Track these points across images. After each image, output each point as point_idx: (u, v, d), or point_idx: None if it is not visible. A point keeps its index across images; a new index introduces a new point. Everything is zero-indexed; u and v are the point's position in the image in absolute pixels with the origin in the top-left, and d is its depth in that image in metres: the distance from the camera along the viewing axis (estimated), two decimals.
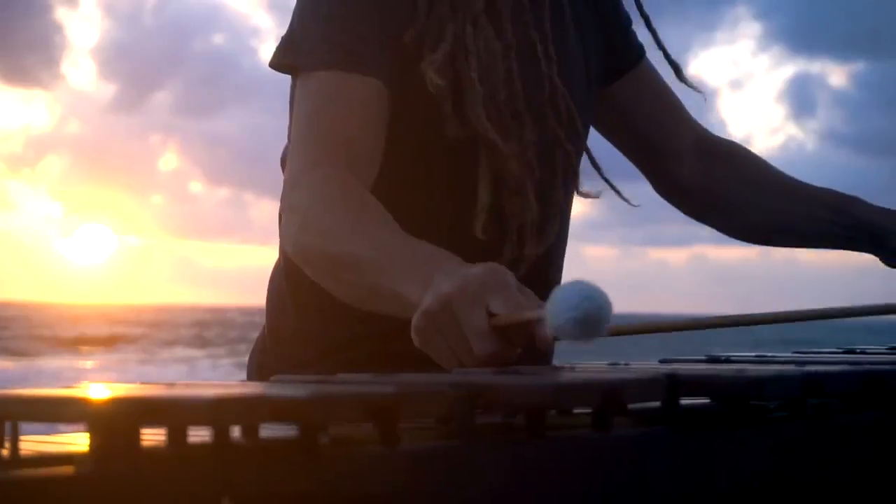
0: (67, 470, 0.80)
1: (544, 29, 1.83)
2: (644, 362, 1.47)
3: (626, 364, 1.41)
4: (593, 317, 1.19)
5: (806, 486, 1.19)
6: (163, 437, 0.84)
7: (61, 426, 0.89)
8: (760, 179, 2.06)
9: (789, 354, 1.70)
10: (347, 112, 1.69)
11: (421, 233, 1.55)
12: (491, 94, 1.74)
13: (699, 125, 2.11)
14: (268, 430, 0.88)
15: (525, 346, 1.32)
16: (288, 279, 1.83)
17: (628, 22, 2.03)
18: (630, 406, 1.05)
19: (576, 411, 1.05)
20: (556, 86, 1.82)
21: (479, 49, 1.74)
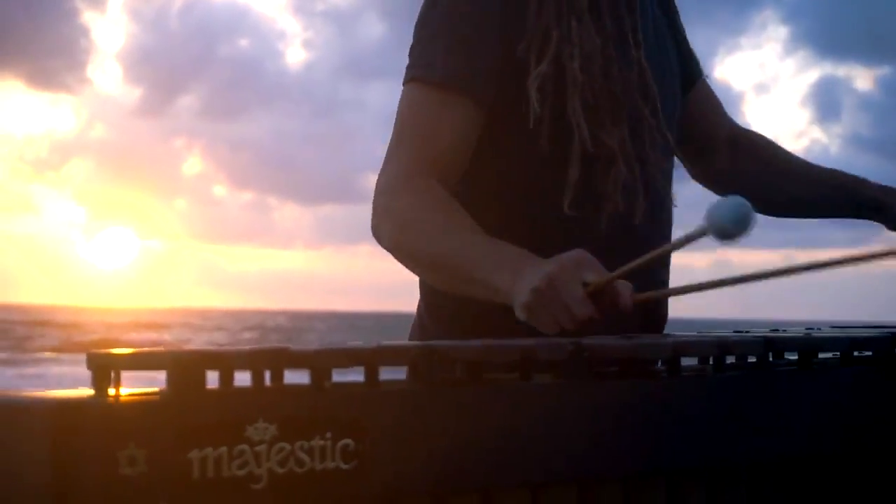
0: (153, 397, 1.22)
1: (635, 20, 2.10)
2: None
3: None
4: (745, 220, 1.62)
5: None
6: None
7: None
8: (782, 165, 2.43)
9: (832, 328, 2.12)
10: (440, 130, 1.98)
11: (521, 211, 1.97)
12: (590, 82, 2.00)
13: (731, 118, 2.48)
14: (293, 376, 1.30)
15: (612, 311, 1.72)
16: (424, 300, 2.16)
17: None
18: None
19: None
20: (644, 68, 2.09)
21: (581, 42, 2.00)
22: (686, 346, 1.56)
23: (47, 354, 38.96)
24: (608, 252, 1.86)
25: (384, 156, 2.02)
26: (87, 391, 1.26)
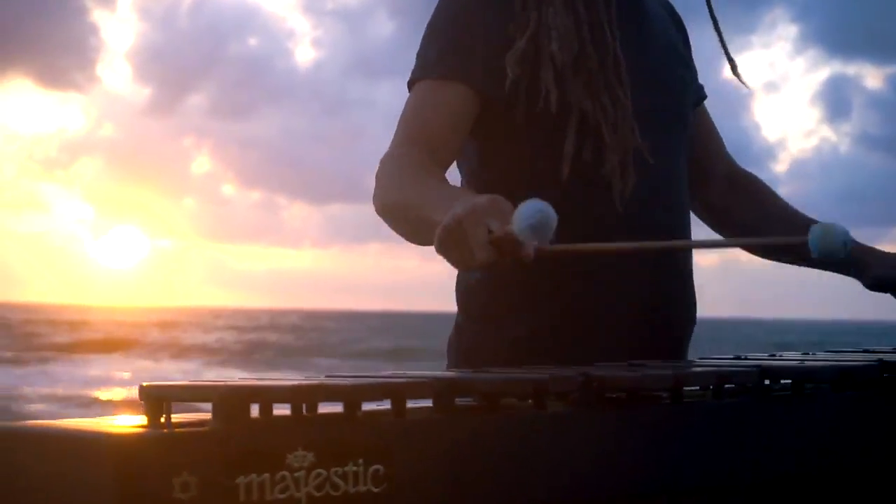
0: (204, 428, 1.34)
1: (611, 13, 2.26)
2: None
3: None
4: (543, 226, 1.71)
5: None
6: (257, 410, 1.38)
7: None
8: (770, 208, 2.55)
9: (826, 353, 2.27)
10: (433, 112, 2.20)
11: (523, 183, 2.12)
12: (561, 59, 2.18)
13: (731, 157, 2.61)
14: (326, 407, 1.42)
15: (513, 256, 1.79)
16: (457, 300, 2.31)
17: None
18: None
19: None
20: (619, 59, 2.24)
21: (556, 24, 2.19)
22: (687, 377, 1.69)
23: (55, 353, 39.15)
24: (605, 221, 2.14)
25: None
26: (140, 421, 1.38)
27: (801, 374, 1.84)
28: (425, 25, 2.30)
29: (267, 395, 1.38)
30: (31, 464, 1.33)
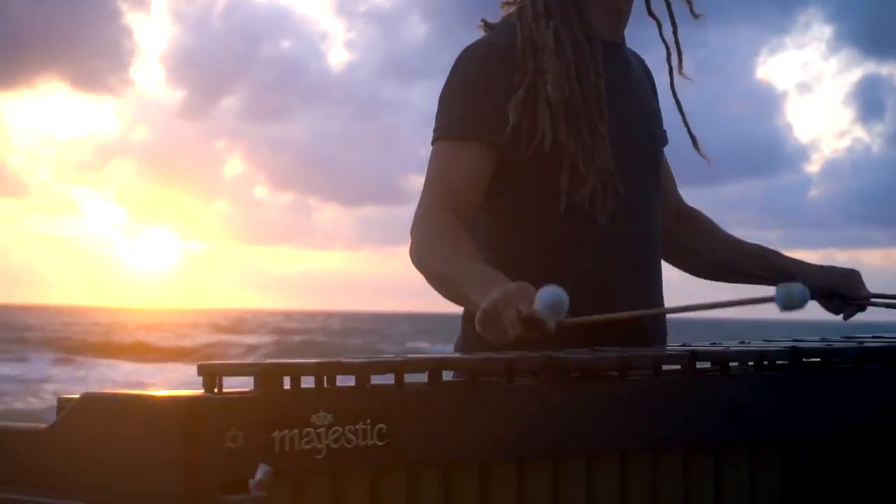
0: (248, 395, 1.76)
1: (596, 59, 2.61)
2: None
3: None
4: (558, 306, 2.09)
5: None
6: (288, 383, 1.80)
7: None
8: (712, 236, 3.02)
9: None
10: (457, 174, 2.55)
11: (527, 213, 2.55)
12: (556, 98, 2.53)
13: (679, 194, 3.04)
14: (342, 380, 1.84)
15: (539, 332, 2.18)
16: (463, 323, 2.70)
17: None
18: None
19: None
20: (601, 92, 2.59)
21: (551, 69, 2.54)
22: (629, 359, 2.11)
23: (91, 357, 39.76)
24: (601, 244, 2.54)
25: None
26: (198, 391, 1.80)
27: (828, 354, 2.37)
28: (442, 88, 2.65)
29: (296, 371, 1.79)
30: (117, 422, 1.73)
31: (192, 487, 1.66)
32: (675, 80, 2.80)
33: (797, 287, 2.06)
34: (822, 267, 2.93)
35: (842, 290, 2.87)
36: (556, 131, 2.54)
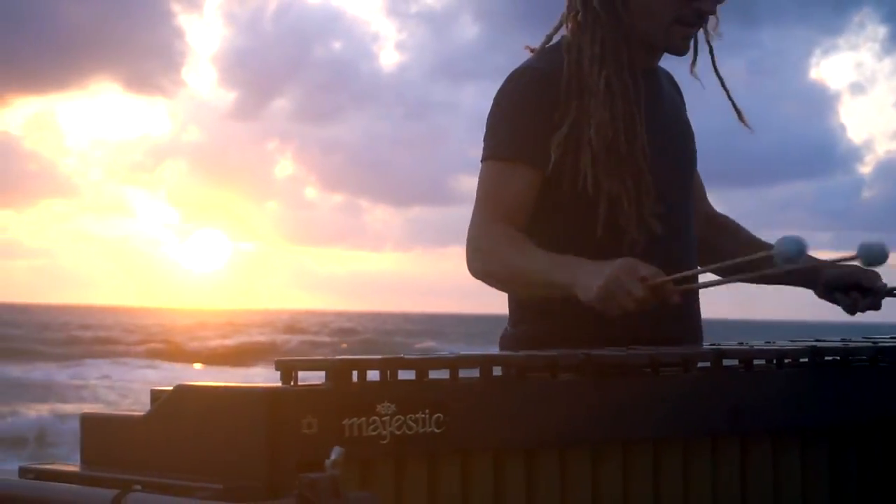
0: (321, 387, 1.99)
1: (640, 105, 2.83)
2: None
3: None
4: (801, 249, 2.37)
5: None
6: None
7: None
8: (738, 238, 3.23)
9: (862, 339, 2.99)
10: (507, 190, 2.80)
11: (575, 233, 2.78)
12: (599, 146, 2.75)
13: (708, 201, 3.28)
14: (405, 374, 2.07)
15: (660, 300, 2.53)
16: (509, 310, 2.98)
17: None
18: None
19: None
20: (644, 140, 2.81)
21: (597, 116, 2.76)
22: (661, 357, 2.33)
23: (145, 359, 40.28)
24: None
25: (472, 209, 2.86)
26: (276, 384, 2.03)
27: (846, 353, 2.60)
28: (489, 112, 2.88)
29: (363, 365, 2.03)
30: (208, 411, 1.97)
31: (274, 467, 1.89)
32: (716, 59, 3.00)
33: (876, 244, 2.32)
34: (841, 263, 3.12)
35: (864, 282, 3.02)
36: (596, 172, 2.76)
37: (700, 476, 2.36)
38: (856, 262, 2.38)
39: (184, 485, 1.87)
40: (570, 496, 2.20)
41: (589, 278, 2.58)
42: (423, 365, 2.08)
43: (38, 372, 32.29)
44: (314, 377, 2.08)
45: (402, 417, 2.02)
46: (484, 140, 2.89)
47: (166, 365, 37.87)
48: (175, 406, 2.01)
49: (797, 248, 2.37)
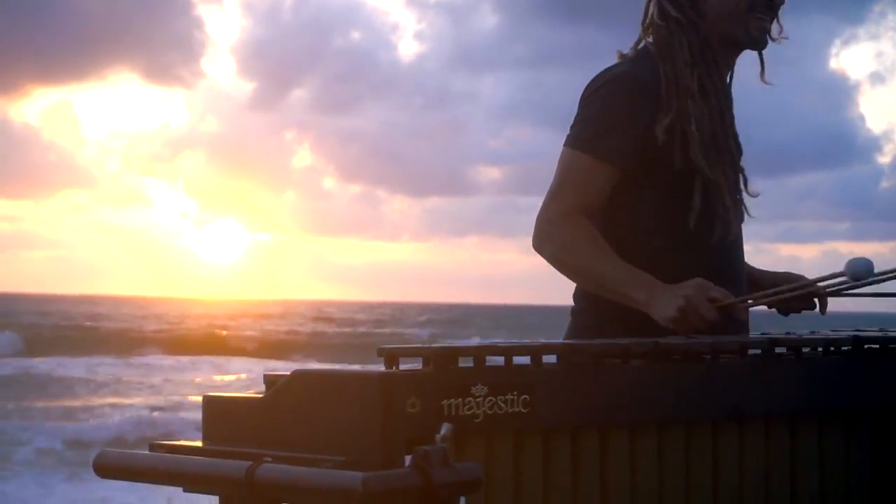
0: (422, 372, 2.24)
1: (729, 99, 3.16)
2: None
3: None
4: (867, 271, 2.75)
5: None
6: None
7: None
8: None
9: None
10: (589, 184, 3.03)
11: (656, 228, 3.05)
12: (702, 139, 3.00)
13: None
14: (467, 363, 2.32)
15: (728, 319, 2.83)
16: (574, 308, 3.22)
17: None
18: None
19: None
20: (732, 131, 3.13)
21: (696, 114, 3.01)
22: (720, 345, 2.60)
23: (157, 350, 40.62)
24: (716, 256, 3.02)
25: (546, 194, 3.09)
26: (381, 368, 2.28)
27: (885, 341, 2.87)
28: (583, 97, 3.11)
29: (458, 353, 2.28)
30: (323, 393, 2.22)
31: (385, 442, 2.14)
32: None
33: (861, 260, 2.56)
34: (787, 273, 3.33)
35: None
36: (699, 159, 3.00)
37: (753, 454, 2.61)
38: (843, 278, 2.75)
39: (308, 457, 2.12)
40: (639, 471, 2.45)
41: (665, 300, 2.85)
42: (510, 351, 2.33)
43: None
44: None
45: (494, 398, 2.27)
46: (573, 127, 3.10)
47: (217, 360, 38.13)
48: (294, 389, 2.26)
49: (865, 269, 2.65)
